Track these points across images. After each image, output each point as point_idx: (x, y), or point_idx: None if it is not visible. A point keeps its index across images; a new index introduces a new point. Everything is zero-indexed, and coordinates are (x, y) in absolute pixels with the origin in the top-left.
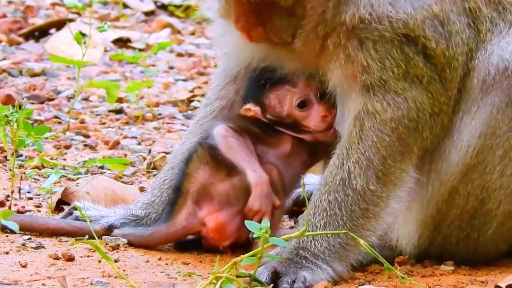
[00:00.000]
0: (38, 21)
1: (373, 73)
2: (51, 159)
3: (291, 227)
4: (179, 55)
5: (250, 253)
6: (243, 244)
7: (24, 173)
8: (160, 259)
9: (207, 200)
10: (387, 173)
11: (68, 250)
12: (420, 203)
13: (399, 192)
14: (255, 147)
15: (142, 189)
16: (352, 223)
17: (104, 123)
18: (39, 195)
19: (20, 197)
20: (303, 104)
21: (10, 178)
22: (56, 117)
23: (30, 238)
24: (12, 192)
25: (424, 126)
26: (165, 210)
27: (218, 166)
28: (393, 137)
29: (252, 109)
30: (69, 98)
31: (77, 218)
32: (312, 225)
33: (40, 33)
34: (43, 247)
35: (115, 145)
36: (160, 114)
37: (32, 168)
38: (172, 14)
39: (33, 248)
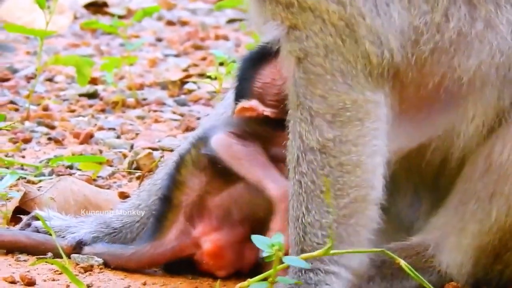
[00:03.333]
0: None
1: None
2: (5, 156)
3: None
4: (170, 23)
5: (259, 276)
6: (246, 272)
7: None
8: (144, 283)
9: (203, 216)
10: (336, 112)
11: (28, 271)
12: (479, 227)
13: (370, 125)
14: (266, 151)
15: (122, 195)
16: (334, 188)
17: (73, 111)
18: None
19: None
20: None
21: None
22: (12, 102)
23: None
24: None
25: (341, 48)
26: (151, 226)
27: (218, 172)
28: (318, 70)
29: (248, 105)
30: (29, 79)
31: (37, 230)
32: (295, 218)
33: None
34: None
35: (88, 138)
36: (145, 99)
37: None
38: None
39: None
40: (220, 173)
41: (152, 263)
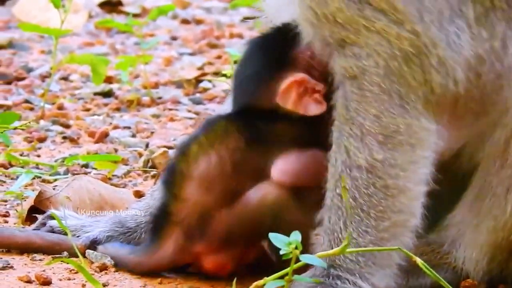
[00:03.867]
0: None
1: (323, 27)
2: (21, 155)
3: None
4: (185, 22)
5: (276, 274)
6: (252, 264)
7: None
8: (160, 283)
9: (203, 237)
10: (389, 134)
11: (44, 271)
12: (494, 224)
13: (421, 152)
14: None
15: (137, 193)
16: (376, 209)
17: (88, 110)
18: (6, 201)
19: None
20: None
21: None
22: (27, 101)
23: None
24: None
25: (404, 70)
26: (148, 236)
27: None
28: (375, 90)
29: (299, 78)
30: (43, 78)
31: (52, 230)
32: (331, 231)
33: None
34: (11, 267)
35: (103, 137)
36: (160, 98)
37: None
38: None
39: None
40: (224, 190)
41: (154, 271)
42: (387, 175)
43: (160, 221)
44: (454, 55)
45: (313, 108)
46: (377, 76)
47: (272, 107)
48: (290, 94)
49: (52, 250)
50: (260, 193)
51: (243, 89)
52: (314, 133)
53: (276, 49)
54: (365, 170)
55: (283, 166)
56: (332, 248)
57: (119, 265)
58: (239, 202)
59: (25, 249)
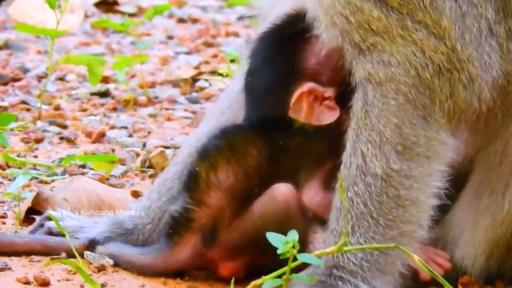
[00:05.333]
0: None
1: (351, 31)
2: (18, 156)
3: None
4: (181, 21)
5: (274, 273)
6: (261, 265)
7: None
8: (164, 284)
9: (219, 244)
10: (408, 145)
11: (42, 272)
12: (492, 221)
13: (436, 165)
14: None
15: (135, 194)
16: (386, 217)
17: (85, 110)
18: (3, 202)
19: None
20: None
21: None
22: (23, 102)
23: None
24: None
25: (433, 83)
26: (162, 239)
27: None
28: (400, 99)
29: (306, 89)
30: (40, 78)
31: (50, 231)
32: (338, 233)
33: None
34: (9, 268)
35: (100, 137)
36: (156, 98)
37: None
38: None
39: None
40: (244, 199)
41: (163, 273)
42: (401, 186)
43: (179, 225)
44: (484, 75)
45: (327, 116)
46: (404, 85)
47: (286, 121)
48: (301, 106)
49: (51, 253)
50: (270, 194)
51: (256, 103)
52: (333, 145)
53: (283, 59)
54: (380, 178)
55: (315, 196)
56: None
57: (123, 265)
58: (252, 206)
59: (25, 253)
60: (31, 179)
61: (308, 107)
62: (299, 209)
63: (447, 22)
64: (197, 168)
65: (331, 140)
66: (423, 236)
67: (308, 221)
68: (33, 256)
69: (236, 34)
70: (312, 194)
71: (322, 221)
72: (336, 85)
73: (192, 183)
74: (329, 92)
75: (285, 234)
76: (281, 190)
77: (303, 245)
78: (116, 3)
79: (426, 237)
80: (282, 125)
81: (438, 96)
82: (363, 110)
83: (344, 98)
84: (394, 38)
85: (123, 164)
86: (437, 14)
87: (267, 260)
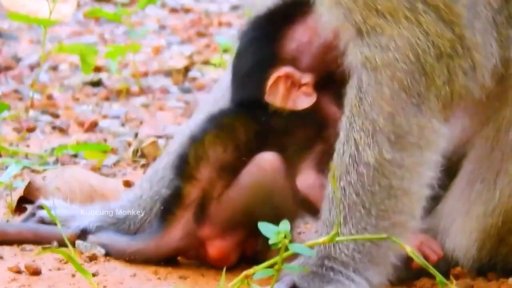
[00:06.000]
0: None
1: (349, 12)
2: (10, 145)
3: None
4: (173, 10)
5: (265, 263)
6: (252, 255)
7: None
8: (155, 272)
9: (209, 220)
10: (401, 134)
11: (33, 261)
12: (484, 210)
13: (429, 154)
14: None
15: (127, 183)
16: (378, 208)
17: (77, 99)
18: None
19: None
20: None
21: None
22: (16, 91)
23: None
24: None
25: (432, 68)
26: (157, 219)
27: (227, 168)
28: (395, 86)
29: (283, 73)
30: (32, 67)
31: (42, 220)
32: (331, 224)
33: None
34: (1, 257)
35: (92, 127)
36: (149, 87)
37: None
38: None
39: None
40: (229, 169)
41: (155, 259)
42: (393, 175)
43: (171, 204)
44: (486, 62)
45: (302, 102)
46: (400, 72)
47: (266, 103)
48: (277, 90)
49: (43, 242)
50: (256, 162)
51: (239, 85)
52: (318, 128)
53: (266, 42)
54: (373, 167)
55: (308, 180)
56: (331, 243)
57: (115, 254)
58: (239, 177)
59: (17, 242)
60: (23, 168)
61: (284, 91)
62: (285, 177)
63: (461, 8)
64: (186, 150)
65: (315, 124)
66: (416, 227)
67: (296, 197)
68: (24, 245)
69: (229, 24)
70: (303, 177)
71: (313, 206)
72: (316, 72)
73: (182, 162)
74: (307, 78)
75: (273, 203)
76: (267, 158)
77: (291, 219)
78: None
79: (419, 227)
80: (263, 106)
81: (434, 82)
82: (357, 98)
83: (327, 84)
84: (399, 20)
85: (115, 154)
86: (457, 1)
87: (256, 245)
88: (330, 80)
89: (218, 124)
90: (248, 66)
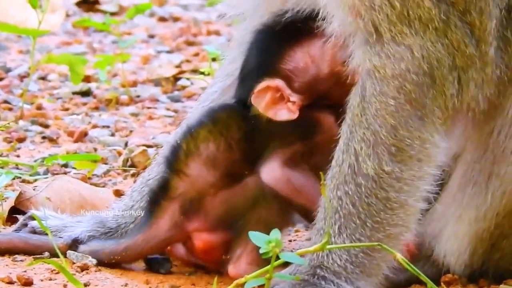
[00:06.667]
0: None
1: (361, 17)
2: (0, 155)
3: (308, 239)
4: (162, 19)
5: (257, 272)
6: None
7: None
8: (147, 282)
9: (198, 213)
10: (402, 147)
11: (25, 271)
12: (475, 214)
13: (427, 169)
14: (312, 156)
15: (117, 193)
16: (373, 219)
17: (67, 109)
18: None
19: None
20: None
21: None
22: (5, 101)
23: None
24: None
25: (444, 81)
26: (144, 214)
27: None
28: (401, 98)
29: (273, 84)
30: (22, 78)
31: (34, 230)
32: (324, 233)
33: None
34: None
35: (82, 136)
36: (138, 96)
37: None
38: None
39: None
40: (223, 172)
41: (145, 254)
42: (390, 188)
43: (158, 196)
44: (495, 74)
45: (283, 115)
46: (410, 83)
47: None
48: (264, 97)
49: (34, 252)
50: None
51: (238, 83)
52: (299, 130)
53: (271, 51)
54: (371, 179)
55: (272, 172)
56: (323, 252)
57: (106, 258)
58: (238, 185)
59: (8, 252)
60: (14, 179)
61: (270, 100)
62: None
63: (492, 26)
64: (178, 142)
65: (296, 125)
66: (409, 240)
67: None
68: (16, 256)
69: (218, 33)
70: (269, 170)
71: (283, 198)
72: (305, 96)
73: (172, 155)
74: (295, 98)
75: (267, 215)
76: (270, 171)
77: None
78: (97, 2)
79: (412, 240)
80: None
81: (443, 94)
82: (360, 106)
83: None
84: (427, 30)
85: (105, 163)
86: (488, 18)
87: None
88: (323, 98)
89: (214, 119)
90: (248, 68)
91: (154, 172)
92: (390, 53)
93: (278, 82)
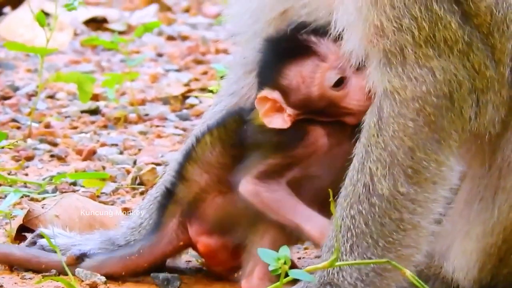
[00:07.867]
0: None
1: (387, 37)
2: (8, 174)
3: (317, 257)
4: (170, 38)
5: None
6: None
7: None
8: None
9: (198, 217)
10: (418, 169)
11: None
12: (483, 229)
13: (441, 191)
14: (290, 170)
15: (126, 211)
16: (386, 240)
17: (75, 127)
18: None
19: None
20: (340, 82)
21: None
22: (13, 120)
23: None
24: None
25: (463, 103)
26: (152, 222)
27: (223, 177)
28: (419, 121)
29: (270, 97)
30: (30, 96)
31: (42, 248)
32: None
33: None
34: (1, 286)
35: (91, 155)
36: (147, 115)
37: None
38: None
39: None
40: (221, 178)
41: (154, 262)
42: (404, 209)
43: (166, 200)
44: (508, 97)
45: (277, 123)
46: (430, 105)
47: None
48: (264, 105)
49: (43, 269)
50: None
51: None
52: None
53: (278, 63)
54: (386, 199)
55: (245, 184)
56: (333, 269)
57: (115, 270)
58: (234, 192)
59: (20, 265)
60: (22, 197)
61: (270, 109)
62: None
63: (510, 48)
64: (189, 149)
65: (283, 134)
66: (420, 262)
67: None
68: (25, 274)
69: (226, 51)
70: (243, 182)
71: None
72: (300, 111)
73: (182, 159)
74: (290, 111)
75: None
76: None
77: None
78: (106, 21)
79: (423, 261)
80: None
81: (461, 117)
82: (376, 127)
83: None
84: (452, 51)
85: (114, 181)
86: (507, 40)
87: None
88: (320, 115)
89: (220, 124)
90: (257, 73)
91: (161, 190)
92: (412, 75)
93: (275, 95)
